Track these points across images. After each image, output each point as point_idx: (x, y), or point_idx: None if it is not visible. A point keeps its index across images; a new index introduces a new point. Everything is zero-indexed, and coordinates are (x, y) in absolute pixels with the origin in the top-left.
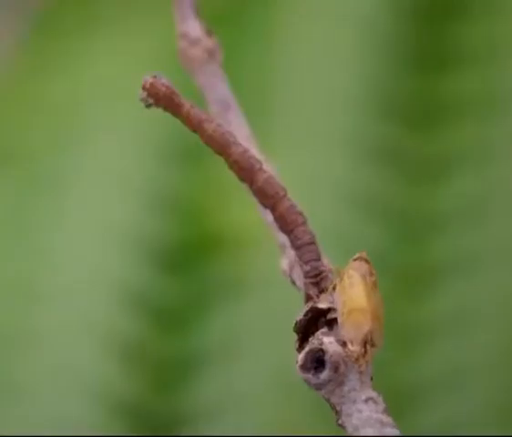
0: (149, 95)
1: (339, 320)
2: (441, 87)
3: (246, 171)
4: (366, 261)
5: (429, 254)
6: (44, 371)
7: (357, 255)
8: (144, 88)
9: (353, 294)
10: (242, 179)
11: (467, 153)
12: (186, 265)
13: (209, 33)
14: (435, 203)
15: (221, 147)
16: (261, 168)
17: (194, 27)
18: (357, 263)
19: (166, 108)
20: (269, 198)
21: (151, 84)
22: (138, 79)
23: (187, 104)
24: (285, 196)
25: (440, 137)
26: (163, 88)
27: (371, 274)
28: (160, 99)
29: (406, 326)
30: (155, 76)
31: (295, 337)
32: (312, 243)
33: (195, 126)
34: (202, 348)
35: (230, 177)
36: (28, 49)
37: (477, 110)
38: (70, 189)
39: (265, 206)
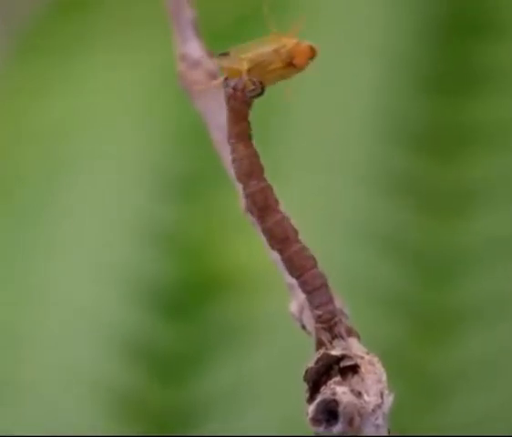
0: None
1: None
2: (465, 113)
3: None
4: None
5: (452, 296)
6: (32, 421)
7: None
8: None
9: None
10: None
11: (494, 185)
12: (187, 308)
13: (210, 54)
14: (459, 240)
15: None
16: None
17: (194, 48)
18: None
19: None
20: (278, 241)
21: None
22: (134, 98)
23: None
24: (295, 238)
25: (464, 167)
26: None
27: None
28: None
29: (427, 373)
30: None
31: (305, 387)
32: (324, 286)
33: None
34: (204, 397)
35: (234, 211)
36: (16, 67)
37: (505, 138)
38: (61, 223)
39: (273, 248)
